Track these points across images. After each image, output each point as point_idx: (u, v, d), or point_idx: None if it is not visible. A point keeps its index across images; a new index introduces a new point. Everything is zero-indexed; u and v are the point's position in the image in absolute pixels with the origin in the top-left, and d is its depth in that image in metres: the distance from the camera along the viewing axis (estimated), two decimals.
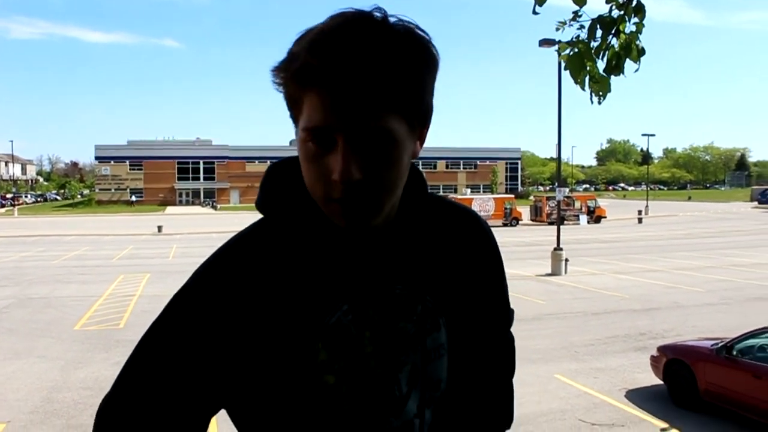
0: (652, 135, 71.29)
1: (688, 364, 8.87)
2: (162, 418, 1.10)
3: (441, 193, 1.75)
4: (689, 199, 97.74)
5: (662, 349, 9.57)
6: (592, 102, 3.47)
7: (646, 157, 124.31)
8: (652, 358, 9.65)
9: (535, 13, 3.10)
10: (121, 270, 23.97)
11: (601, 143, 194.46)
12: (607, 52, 3.40)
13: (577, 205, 52.09)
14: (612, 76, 3.37)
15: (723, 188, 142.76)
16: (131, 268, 24.69)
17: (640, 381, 9.92)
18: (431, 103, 1.09)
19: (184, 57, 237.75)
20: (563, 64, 3.49)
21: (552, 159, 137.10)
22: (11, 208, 79.33)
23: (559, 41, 3.54)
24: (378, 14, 1.01)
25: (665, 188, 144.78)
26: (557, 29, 3.48)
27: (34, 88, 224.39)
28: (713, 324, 13.55)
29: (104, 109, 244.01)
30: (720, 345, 8.64)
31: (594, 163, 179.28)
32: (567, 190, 47.10)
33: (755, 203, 78.56)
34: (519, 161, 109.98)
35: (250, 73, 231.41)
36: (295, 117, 1.06)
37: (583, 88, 3.45)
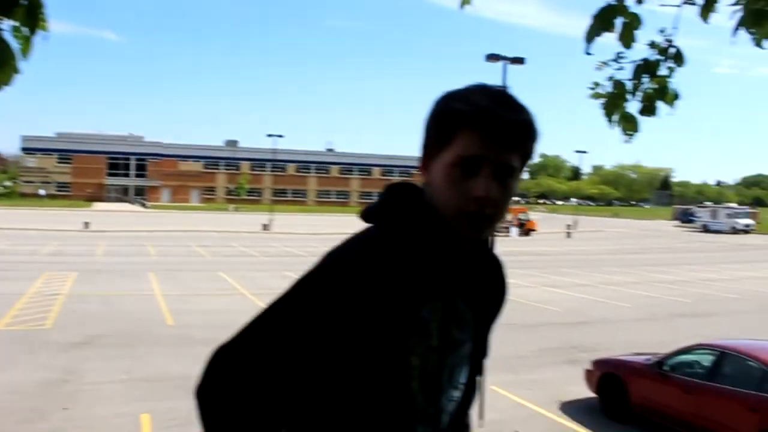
0: (584, 152, 73.47)
1: (621, 378, 9.13)
2: (265, 382, 1.36)
3: None
4: (615, 215, 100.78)
5: (596, 364, 9.81)
6: (624, 142, 3.61)
7: (576, 173, 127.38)
8: (586, 371, 9.88)
9: (588, 53, 3.21)
10: (45, 267, 23.10)
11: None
12: (640, 94, 3.52)
13: (508, 217, 52.97)
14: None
15: (647, 206, 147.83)
16: (57, 265, 23.85)
17: (573, 394, 10.12)
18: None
19: (122, 50, 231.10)
20: (598, 103, 3.60)
21: None
22: None
23: (596, 82, 3.65)
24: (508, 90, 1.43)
25: (593, 204, 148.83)
26: (598, 68, 3.59)
27: None
28: (641, 339, 13.94)
29: (33, 99, 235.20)
30: (653, 360, 8.91)
31: (525, 176, 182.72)
32: None
33: (677, 222, 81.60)
34: None
35: (186, 70, 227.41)
36: (437, 149, 1.39)
37: (611, 125, 3.58)
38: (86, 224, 43.72)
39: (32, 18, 2.19)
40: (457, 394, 1.54)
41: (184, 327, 13.91)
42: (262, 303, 1.65)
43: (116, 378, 10.01)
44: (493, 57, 16.68)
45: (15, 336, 12.66)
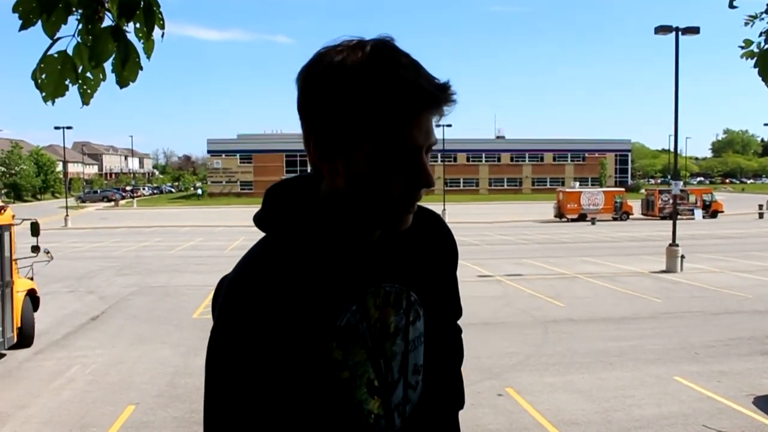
0: None
1: None
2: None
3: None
4: None
5: None
6: None
7: (767, 148, 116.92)
8: None
9: (732, 6, 2.87)
10: (233, 261, 24.74)
11: (717, 134, 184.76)
12: None
13: (692, 199, 49.77)
14: None
15: None
16: None
17: None
18: None
19: (295, 52, 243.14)
20: (753, 62, 3.23)
21: (663, 150, 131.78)
22: (131, 199, 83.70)
23: (747, 40, 3.27)
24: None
25: None
26: (746, 24, 3.23)
27: (151, 84, 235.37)
28: None
29: (217, 104, 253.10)
30: None
31: (709, 154, 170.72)
32: (681, 183, 44.82)
33: None
34: (629, 153, 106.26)
35: None
36: (364, 135, 1.18)
37: None
38: None
39: (150, 18, 2.37)
40: (418, 378, 1.41)
41: None
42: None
43: None
44: (663, 29, 15.69)
45: (207, 324, 13.67)
